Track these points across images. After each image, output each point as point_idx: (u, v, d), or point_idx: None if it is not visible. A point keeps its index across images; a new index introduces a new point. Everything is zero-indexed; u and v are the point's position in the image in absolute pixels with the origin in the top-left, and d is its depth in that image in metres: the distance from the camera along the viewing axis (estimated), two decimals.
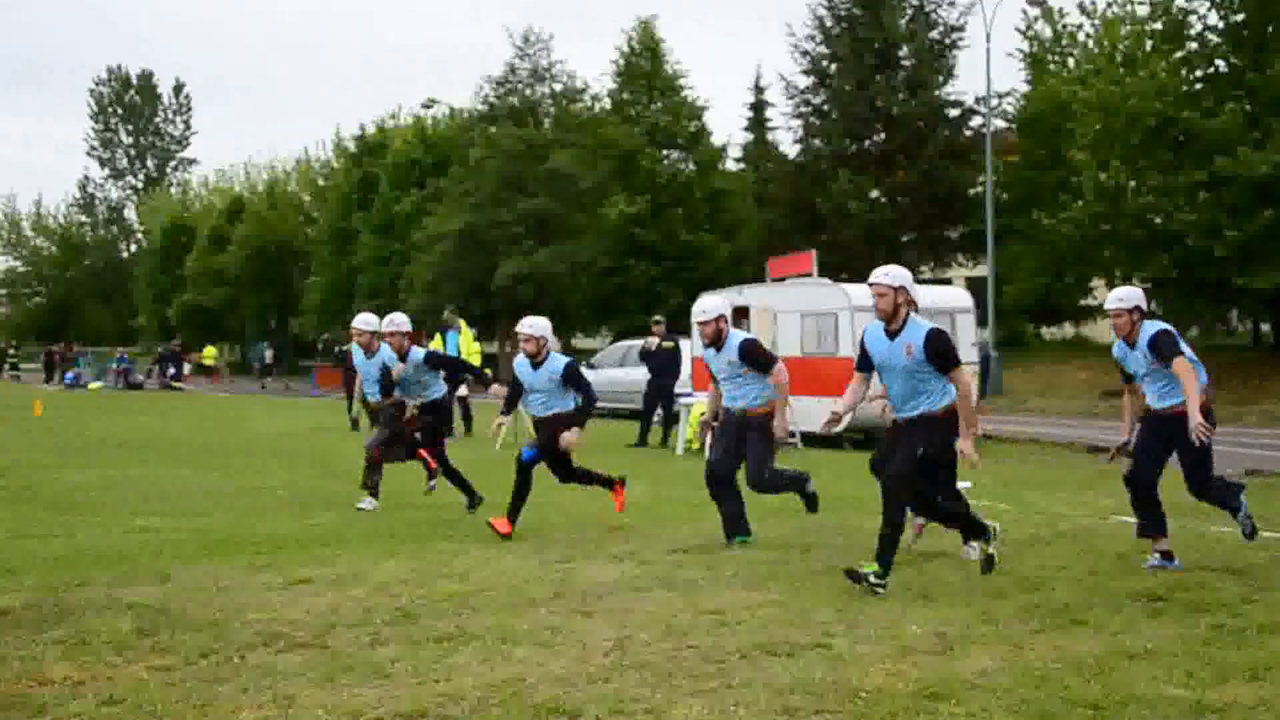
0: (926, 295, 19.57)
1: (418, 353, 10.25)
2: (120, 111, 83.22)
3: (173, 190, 77.82)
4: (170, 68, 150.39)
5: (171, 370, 42.77)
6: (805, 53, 36.80)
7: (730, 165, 43.45)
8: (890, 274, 6.97)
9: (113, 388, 42.43)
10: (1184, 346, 7.42)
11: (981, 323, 24.64)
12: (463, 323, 17.92)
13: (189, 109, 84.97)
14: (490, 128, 41.55)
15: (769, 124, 43.26)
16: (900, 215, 34.98)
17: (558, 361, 8.81)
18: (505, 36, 54.00)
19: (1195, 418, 7.06)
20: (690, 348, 19.18)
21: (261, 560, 7.70)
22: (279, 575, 7.13)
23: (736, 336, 8.39)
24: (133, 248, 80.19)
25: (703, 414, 8.38)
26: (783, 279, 20.43)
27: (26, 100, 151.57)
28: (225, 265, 56.52)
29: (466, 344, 17.35)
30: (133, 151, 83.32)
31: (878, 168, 35.37)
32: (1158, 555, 7.53)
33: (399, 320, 10.32)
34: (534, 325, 8.84)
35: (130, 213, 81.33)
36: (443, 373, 10.54)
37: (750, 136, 43.95)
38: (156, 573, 7.20)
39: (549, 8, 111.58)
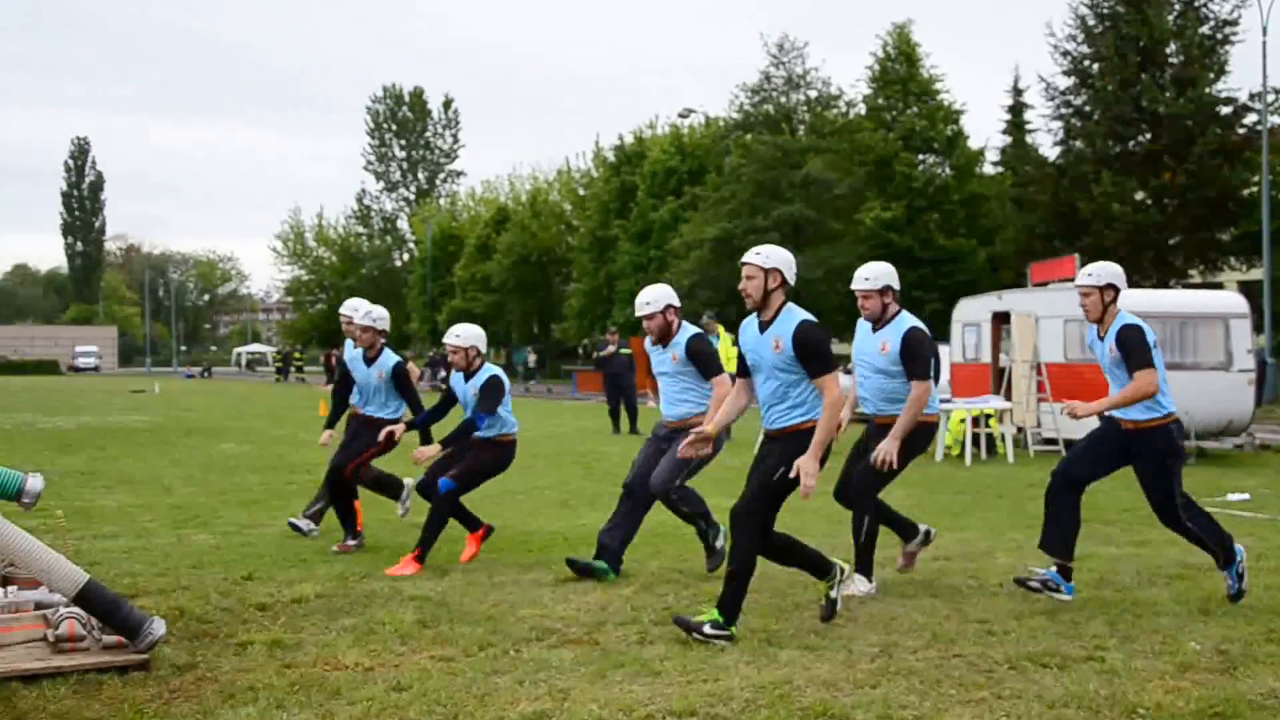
0: (1198, 299, 18.67)
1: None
2: (394, 127, 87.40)
3: (442, 201, 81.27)
4: (440, 85, 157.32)
5: (442, 373, 44.70)
6: (1066, 53, 35.47)
7: (988, 169, 42.31)
8: (761, 253, 5.87)
9: None
10: (1156, 355, 6.42)
11: (1258, 328, 23.20)
12: (721, 329, 18.12)
13: (457, 123, 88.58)
14: (745, 135, 41.77)
15: (1028, 126, 41.88)
16: (1167, 217, 33.28)
17: (482, 375, 7.87)
18: (760, 45, 54.00)
19: (1091, 408, 6.44)
20: (948, 353, 18.81)
21: (532, 558, 8.02)
22: (549, 573, 7.39)
23: (687, 332, 7.27)
24: (405, 256, 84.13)
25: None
26: (1045, 284, 19.79)
27: (311, 121, 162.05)
28: (491, 273, 58.74)
29: (726, 350, 17.45)
30: (405, 165, 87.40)
31: (1143, 169, 33.71)
32: (1051, 569, 6.56)
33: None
34: (461, 335, 7.94)
35: (403, 223, 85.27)
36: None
37: (1008, 139, 42.69)
38: (436, 568, 7.58)
39: (804, 16, 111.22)
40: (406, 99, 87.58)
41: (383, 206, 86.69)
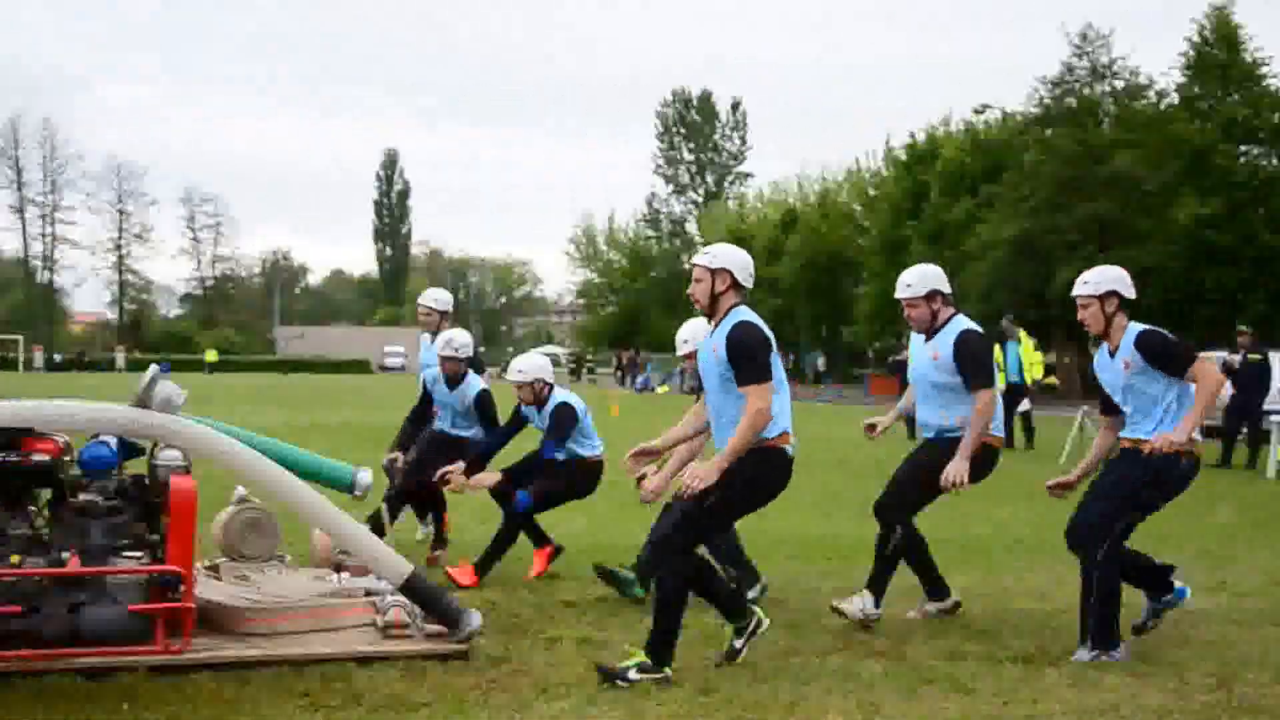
0: None
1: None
2: (683, 131, 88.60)
3: (730, 203, 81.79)
4: (728, 87, 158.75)
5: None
6: None
7: None
8: (710, 253, 5.46)
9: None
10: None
11: None
12: (1022, 332, 17.41)
13: (745, 125, 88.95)
14: (1045, 130, 40.10)
15: None
16: None
17: (550, 404, 7.46)
18: (1061, 36, 51.76)
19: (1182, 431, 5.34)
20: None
21: (832, 565, 7.90)
22: (845, 581, 7.25)
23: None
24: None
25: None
26: None
27: (604, 127, 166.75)
28: (780, 275, 58.66)
29: (1027, 354, 16.83)
30: (694, 168, 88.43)
31: None
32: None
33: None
34: (524, 370, 7.43)
35: (691, 226, 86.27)
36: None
37: None
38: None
39: (1109, 3, 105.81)
40: (695, 102, 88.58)
41: (671, 209, 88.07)
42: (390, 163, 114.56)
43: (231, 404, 28.77)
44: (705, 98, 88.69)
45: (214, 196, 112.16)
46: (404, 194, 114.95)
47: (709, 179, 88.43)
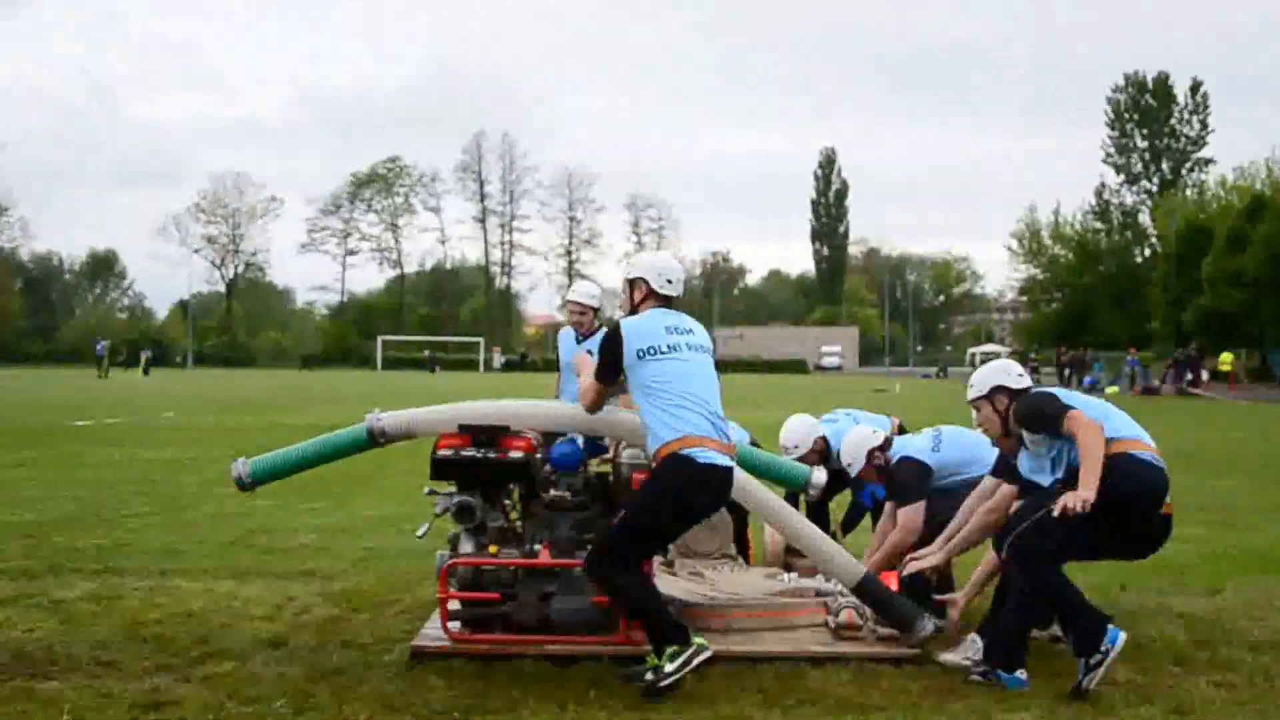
0: None
1: None
2: (1135, 117, 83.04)
3: (1188, 192, 76.06)
4: (1186, 69, 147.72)
5: (1189, 376, 41.71)
6: None
7: None
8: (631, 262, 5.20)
9: (1127, 391, 42.77)
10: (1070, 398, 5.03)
11: None
12: None
13: (1206, 108, 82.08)
14: None
15: None
16: None
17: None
18: None
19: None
20: None
21: None
22: None
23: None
24: (1146, 252, 79.91)
25: None
26: None
27: (1046, 117, 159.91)
28: (1244, 267, 53.78)
29: None
30: (1147, 155, 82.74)
31: None
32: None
33: None
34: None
35: (1144, 217, 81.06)
36: None
37: None
38: (1204, 584, 6.99)
39: None
40: (1150, 86, 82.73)
41: (1122, 200, 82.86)
42: (828, 161, 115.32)
43: None
44: (1161, 80, 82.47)
45: (657, 201, 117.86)
46: (841, 193, 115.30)
47: (1164, 166, 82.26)
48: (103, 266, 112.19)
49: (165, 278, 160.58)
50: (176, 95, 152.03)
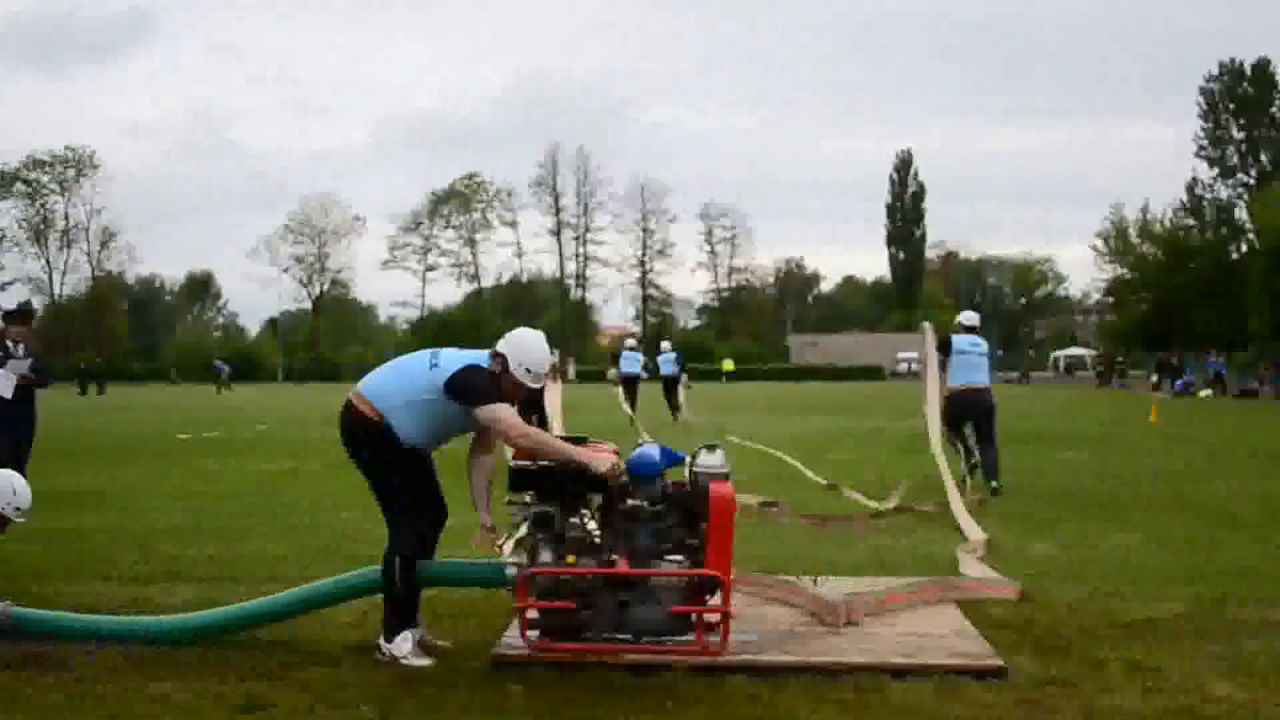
0: None
1: None
2: (1232, 106, 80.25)
3: None
4: None
5: None
6: None
7: None
8: None
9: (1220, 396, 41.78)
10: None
11: None
12: None
13: None
14: None
15: None
16: None
17: None
18: None
19: None
20: None
21: None
22: None
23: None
24: (1243, 248, 77.66)
25: None
26: None
27: (1135, 110, 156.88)
28: None
29: None
30: (1244, 147, 79.97)
31: None
32: None
33: None
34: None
35: (1240, 212, 78.71)
36: None
37: None
38: None
39: None
40: (1248, 74, 79.78)
41: (1216, 195, 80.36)
42: (904, 165, 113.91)
43: (753, 413, 29.89)
44: (1261, 67, 79.23)
45: (730, 209, 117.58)
46: (918, 195, 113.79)
47: (1263, 158, 79.24)
48: (200, 288, 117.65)
49: (257, 296, 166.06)
50: (273, 122, 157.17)
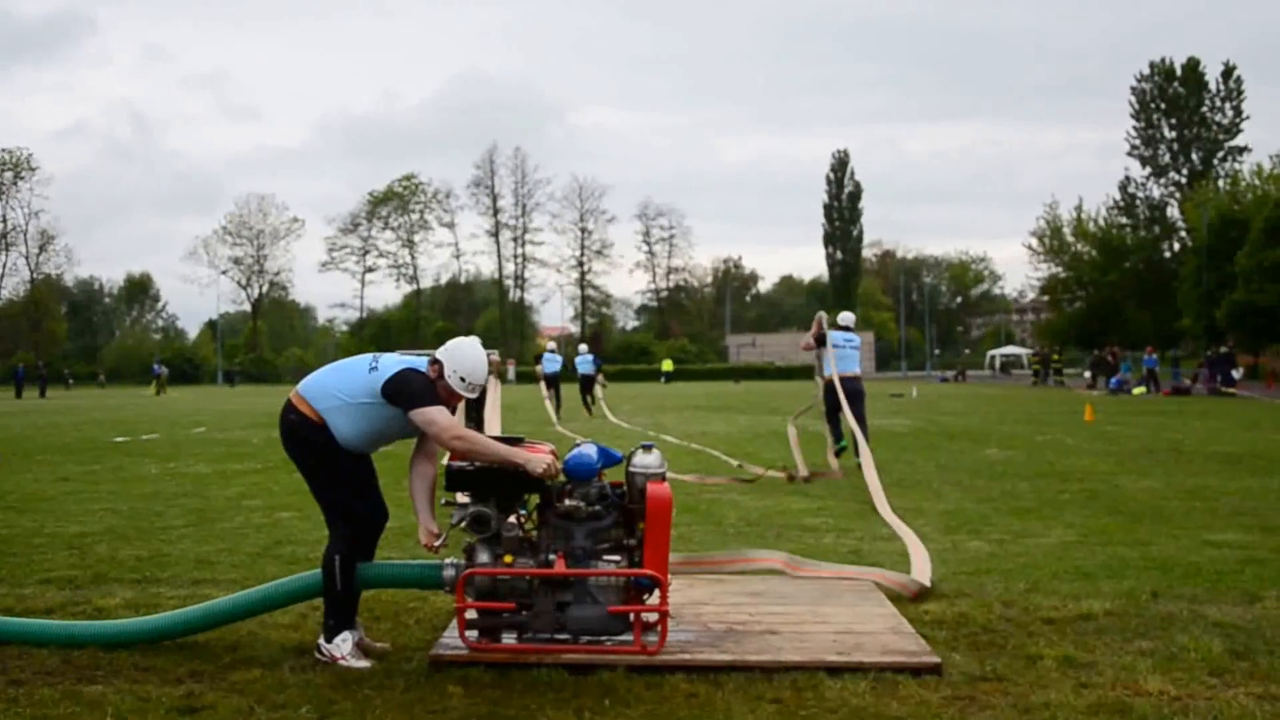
0: None
1: None
2: (1163, 106, 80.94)
3: (1220, 183, 74.56)
4: (1217, 55, 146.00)
5: (1219, 376, 41.17)
6: None
7: None
8: None
9: (1154, 393, 42.48)
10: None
11: None
12: None
13: (1240, 95, 79.71)
14: None
15: None
16: None
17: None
18: None
19: None
20: None
21: None
22: None
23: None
24: (1175, 247, 78.89)
25: None
26: None
27: (1061, 111, 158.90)
28: None
29: None
30: (1175, 146, 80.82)
31: None
32: None
33: None
34: None
35: (1173, 211, 79.78)
36: None
37: None
38: (1241, 591, 6.89)
39: None
40: (1178, 74, 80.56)
41: (1149, 194, 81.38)
42: (840, 164, 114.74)
43: (683, 411, 29.94)
44: (1191, 67, 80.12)
45: (667, 209, 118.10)
46: (854, 195, 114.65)
47: (1194, 157, 79.98)
48: (139, 290, 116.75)
49: (195, 299, 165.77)
50: (208, 125, 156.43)
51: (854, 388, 14.21)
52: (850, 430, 13.68)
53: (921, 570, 7.28)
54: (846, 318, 15.14)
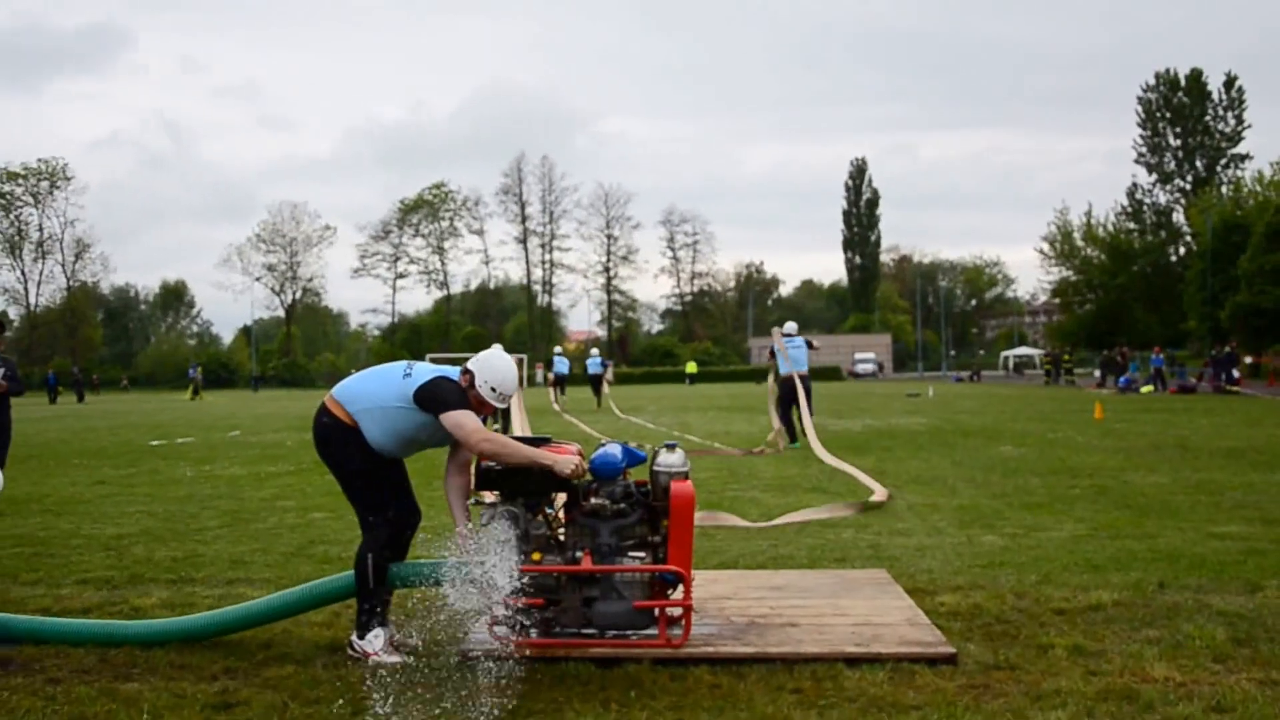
0: None
1: None
2: (1168, 115, 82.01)
3: (1223, 189, 75.28)
4: (1220, 64, 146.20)
5: (1223, 375, 41.36)
6: None
7: None
8: None
9: (1162, 391, 42.51)
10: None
11: None
12: None
13: (1241, 104, 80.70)
14: None
15: None
16: None
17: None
18: None
19: None
20: None
21: None
22: None
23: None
24: (1181, 251, 79.27)
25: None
26: None
27: (1077, 118, 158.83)
28: None
29: None
30: (1180, 154, 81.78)
31: None
32: None
33: None
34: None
35: (1178, 216, 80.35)
36: None
37: None
38: (1244, 581, 7.04)
39: None
40: (1182, 84, 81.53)
41: (1156, 200, 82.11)
42: (859, 172, 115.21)
43: (707, 412, 30.05)
44: (1194, 77, 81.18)
45: (691, 216, 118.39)
46: (872, 202, 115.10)
47: (1198, 164, 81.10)
48: (174, 296, 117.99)
49: (230, 305, 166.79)
50: (241, 134, 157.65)
51: (804, 384, 17.95)
52: (801, 429, 17.33)
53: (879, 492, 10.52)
54: (790, 327, 18.71)
